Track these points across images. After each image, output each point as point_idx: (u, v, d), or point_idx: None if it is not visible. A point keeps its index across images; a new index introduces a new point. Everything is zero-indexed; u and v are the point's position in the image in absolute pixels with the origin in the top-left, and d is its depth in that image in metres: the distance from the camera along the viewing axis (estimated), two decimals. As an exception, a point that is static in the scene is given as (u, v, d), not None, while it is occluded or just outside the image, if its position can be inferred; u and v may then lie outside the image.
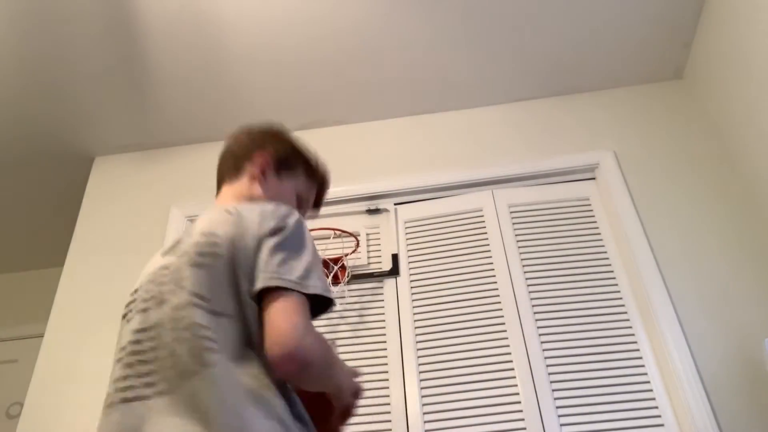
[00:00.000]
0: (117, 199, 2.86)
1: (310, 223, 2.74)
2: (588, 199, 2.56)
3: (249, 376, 0.99)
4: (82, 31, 2.48)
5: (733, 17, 2.37)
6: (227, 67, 2.67)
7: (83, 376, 2.38)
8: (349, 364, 2.28)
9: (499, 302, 2.32)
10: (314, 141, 2.91)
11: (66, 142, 2.95)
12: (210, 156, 2.94)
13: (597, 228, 2.47)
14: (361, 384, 1.25)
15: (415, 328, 2.33)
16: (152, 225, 2.73)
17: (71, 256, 2.72)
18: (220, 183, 1.45)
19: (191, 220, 2.73)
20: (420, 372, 2.23)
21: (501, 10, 2.52)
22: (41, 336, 2.52)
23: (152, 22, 2.49)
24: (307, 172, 1.47)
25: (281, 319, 1.00)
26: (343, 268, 2.46)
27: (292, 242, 1.12)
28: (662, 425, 2.02)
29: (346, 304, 2.42)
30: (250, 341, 1.03)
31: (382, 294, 2.44)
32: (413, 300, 2.40)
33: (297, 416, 1.04)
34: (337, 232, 2.54)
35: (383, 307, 2.40)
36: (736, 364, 2.09)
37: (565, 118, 2.79)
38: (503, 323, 2.27)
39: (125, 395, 1.02)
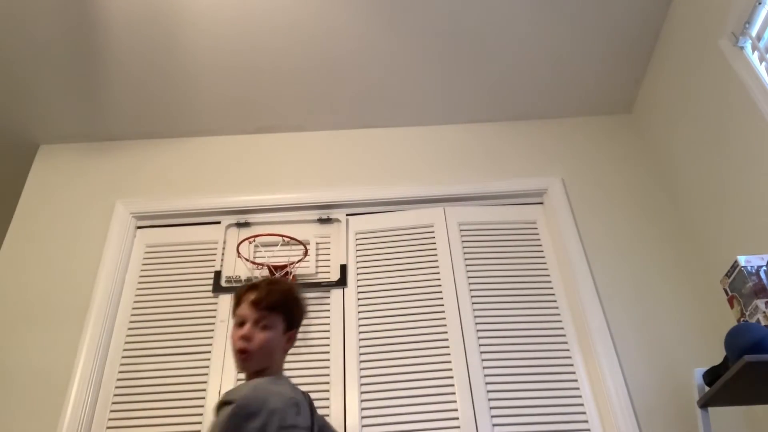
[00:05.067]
0: (60, 190, 2.76)
1: (259, 229, 2.71)
2: (535, 223, 2.62)
3: None
4: (37, 16, 2.39)
5: (682, 59, 2.50)
6: (184, 66, 2.62)
7: (14, 374, 2.27)
8: (290, 373, 2.27)
9: (444, 319, 2.34)
10: (270, 145, 2.91)
11: (10, 127, 2.82)
12: (159, 153, 2.89)
13: (542, 251, 2.54)
14: None
15: (360, 340, 2.33)
16: (95, 220, 2.64)
17: (6, 247, 2.60)
18: None
19: (136, 217, 2.66)
20: (361, 385, 2.22)
21: (465, 36, 2.58)
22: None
23: (110, 13, 2.42)
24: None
25: None
26: (287, 275, 2.44)
27: None
28: (592, 447, 2.08)
29: (291, 312, 2.40)
30: None
31: (328, 304, 2.42)
32: (359, 312, 2.39)
33: None
34: (286, 239, 2.52)
35: (329, 317, 2.39)
36: (667, 390, 2.17)
37: (519, 142, 2.86)
38: (446, 339, 2.29)
39: None
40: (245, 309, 1.53)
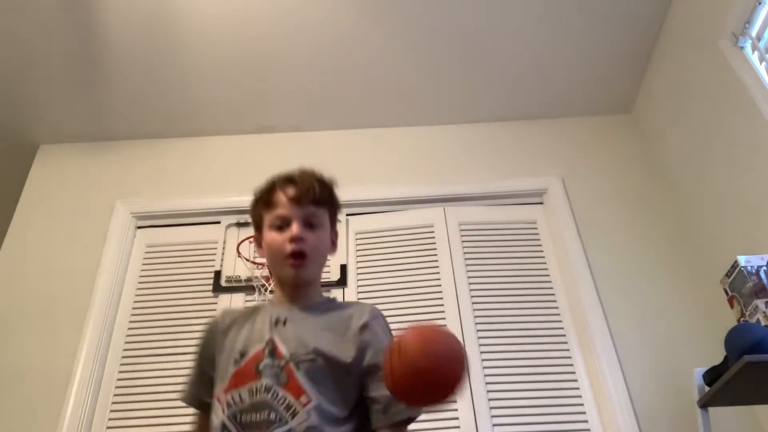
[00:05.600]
0: (60, 189, 2.76)
1: (251, 230, 2.67)
2: (535, 223, 2.62)
3: None
4: (38, 17, 2.40)
5: (682, 59, 2.49)
6: (184, 65, 2.62)
7: (14, 374, 2.27)
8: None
9: (444, 319, 2.33)
10: (270, 145, 2.90)
11: (10, 127, 2.82)
12: (160, 153, 2.88)
13: (542, 251, 2.53)
14: None
15: (359, 340, 2.32)
16: (95, 220, 2.64)
17: (6, 247, 2.60)
18: None
19: (136, 217, 2.66)
20: (361, 384, 2.22)
21: (464, 36, 2.58)
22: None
23: (111, 13, 2.42)
24: (264, 211, 1.32)
25: None
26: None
27: None
28: (593, 447, 2.08)
29: (291, 312, 2.40)
30: None
31: (328, 304, 2.42)
32: (359, 312, 2.39)
33: None
34: (287, 239, 2.52)
35: (328, 317, 2.39)
36: (667, 390, 2.17)
37: (518, 142, 2.86)
38: (446, 340, 2.28)
39: None
40: (287, 208, 1.26)
